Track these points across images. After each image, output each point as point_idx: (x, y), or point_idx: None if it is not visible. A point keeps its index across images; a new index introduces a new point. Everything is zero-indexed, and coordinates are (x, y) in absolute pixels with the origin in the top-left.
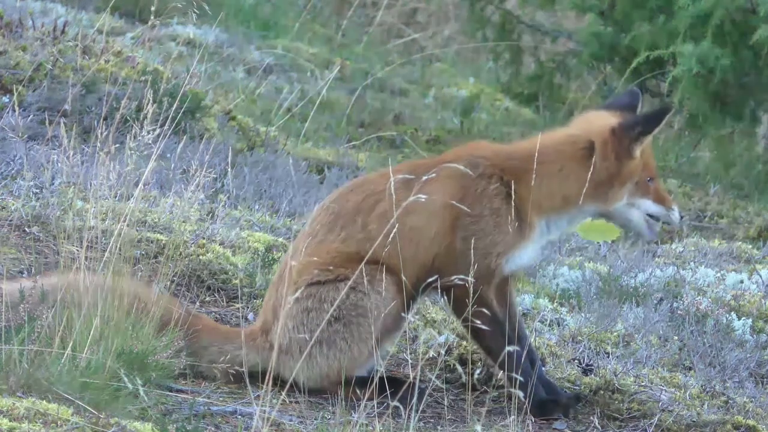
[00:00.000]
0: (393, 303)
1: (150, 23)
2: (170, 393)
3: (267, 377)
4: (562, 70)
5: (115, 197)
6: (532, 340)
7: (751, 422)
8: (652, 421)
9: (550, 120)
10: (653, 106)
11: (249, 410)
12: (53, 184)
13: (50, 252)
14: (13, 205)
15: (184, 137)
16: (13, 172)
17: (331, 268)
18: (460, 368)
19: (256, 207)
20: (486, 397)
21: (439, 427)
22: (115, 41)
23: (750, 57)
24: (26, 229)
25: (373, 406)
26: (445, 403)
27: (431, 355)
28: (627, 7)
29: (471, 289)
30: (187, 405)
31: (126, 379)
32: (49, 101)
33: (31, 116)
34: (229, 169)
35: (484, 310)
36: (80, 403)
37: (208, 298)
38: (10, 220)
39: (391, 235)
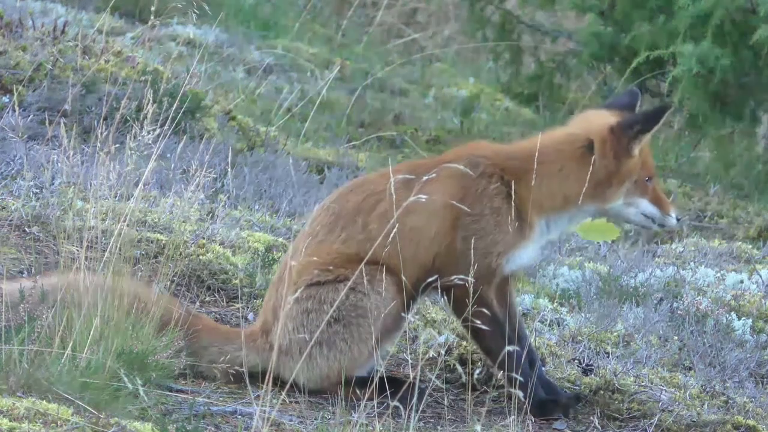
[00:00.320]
0: (393, 303)
1: (150, 23)
2: (170, 393)
3: (267, 377)
4: (562, 70)
5: (115, 197)
6: (532, 340)
7: (751, 422)
8: (652, 421)
9: (550, 120)
10: (653, 106)
11: (249, 410)
12: (53, 184)
13: (50, 252)
14: (13, 205)
15: (184, 137)
16: (13, 172)
17: (331, 268)
18: (460, 368)
19: (256, 207)
20: (486, 397)
21: (439, 427)
22: (115, 41)
23: (750, 57)
24: (26, 229)
25: (373, 406)
26: (445, 403)
27: (431, 355)
28: (627, 7)
29: (471, 289)
30: (187, 405)
31: (126, 379)
32: (49, 101)
33: (31, 116)
34: (229, 169)
35: (484, 310)
36: (80, 403)
37: (208, 298)
38: (10, 220)
39: (392, 236)
